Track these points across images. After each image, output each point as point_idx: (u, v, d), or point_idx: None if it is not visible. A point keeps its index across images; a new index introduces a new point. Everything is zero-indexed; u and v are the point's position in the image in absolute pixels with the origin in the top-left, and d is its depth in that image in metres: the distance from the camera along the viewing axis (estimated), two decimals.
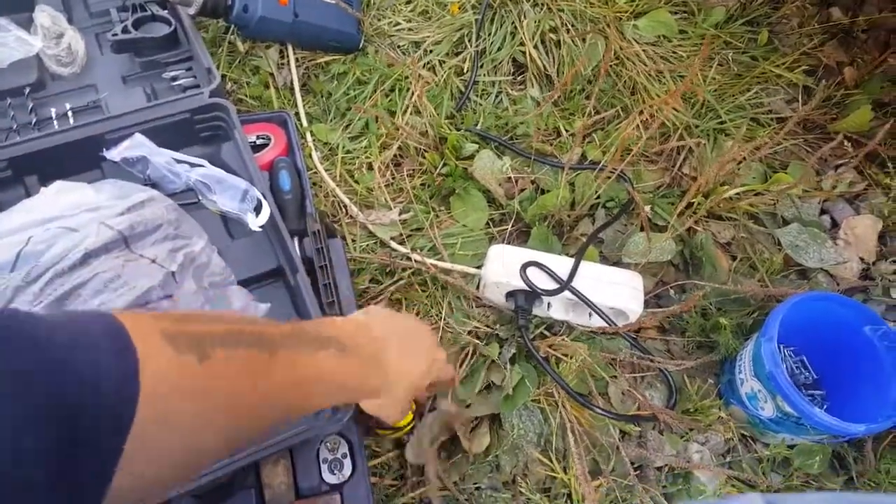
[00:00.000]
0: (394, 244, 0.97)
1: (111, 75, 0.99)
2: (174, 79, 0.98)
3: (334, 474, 0.76)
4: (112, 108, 0.93)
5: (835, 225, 1.07)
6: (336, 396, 0.57)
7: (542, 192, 1.01)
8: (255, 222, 0.83)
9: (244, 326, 0.43)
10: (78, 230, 0.72)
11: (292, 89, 1.08)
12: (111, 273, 0.66)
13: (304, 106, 1.07)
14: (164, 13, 1.01)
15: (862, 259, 1.02)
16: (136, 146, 0.84)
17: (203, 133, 0.91)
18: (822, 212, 1.07)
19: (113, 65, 1.00)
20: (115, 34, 0.96)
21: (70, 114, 0.93)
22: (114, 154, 0.85)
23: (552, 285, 0.88)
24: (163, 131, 0.87)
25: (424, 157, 1.02)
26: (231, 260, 0.82)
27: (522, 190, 1.02)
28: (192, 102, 0.88)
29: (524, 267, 0.87)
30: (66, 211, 0.75)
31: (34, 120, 0.91)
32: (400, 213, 0.99)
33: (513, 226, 0.99)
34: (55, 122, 0.92)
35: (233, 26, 1.05)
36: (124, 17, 0.99)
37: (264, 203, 0.83)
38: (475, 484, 0.82)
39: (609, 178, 0.97)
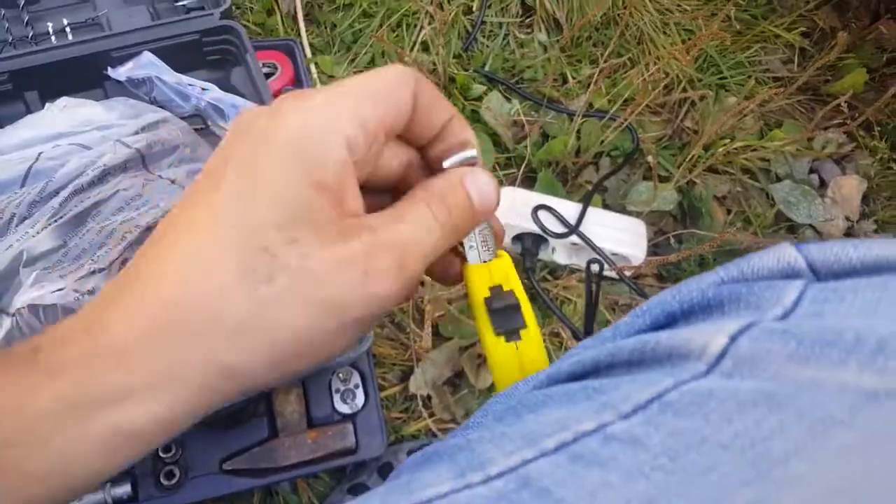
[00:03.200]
0: None
1: None
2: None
3: (347, 404, 0.77)
4: (114, 26, 0.89)
5: (822, 184, 1.10)
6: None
7: (548, 137, 1.02)
8: None
9: None
10: (91, 147, 0.70)
11: (295, 18, 1.05)
12: (133, 191, 0.64)
13: (308, 37, 1.04)
14: None
15: (847, 217, 1.07)
16: (144, 66, 0.81)
17: (210, 57, 0.87)
18: (811, 170, 1.11)
19: None
20: None
21: (68, 30, 0.89)
22: (120, 73, 0.81)
23: (560, 229, 0.89)
24: (168, 53, 0.83)
25: None
26: None
27: (525, 137, 1.02)
28: (201, 24, 0.84)
29: (535, 210, 0.88)
30: (77, 128, 0.72)
31: (31, 34, 0.87)
32: None
33: (520, 170, 1.00)
34: (52, 38, 0.88)
35: None
36: None
37: None
38: None
39: (616, 128, 0.98)
